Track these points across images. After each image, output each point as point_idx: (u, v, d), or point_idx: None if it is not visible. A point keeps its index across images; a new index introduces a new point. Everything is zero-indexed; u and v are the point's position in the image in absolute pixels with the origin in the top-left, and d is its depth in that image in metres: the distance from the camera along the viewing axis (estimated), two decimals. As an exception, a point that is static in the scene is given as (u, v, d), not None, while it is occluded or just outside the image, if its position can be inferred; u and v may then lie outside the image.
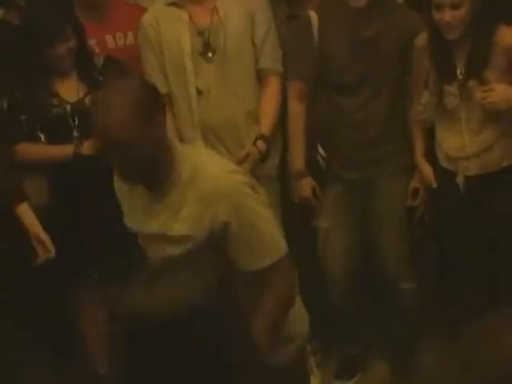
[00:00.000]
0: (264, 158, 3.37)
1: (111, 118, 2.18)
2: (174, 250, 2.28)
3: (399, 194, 3.41)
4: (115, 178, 2.43)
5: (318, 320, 3.36)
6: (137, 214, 2.42)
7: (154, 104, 2.27)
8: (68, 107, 3.21)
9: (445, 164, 3.29)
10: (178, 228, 2.31)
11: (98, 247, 3.23)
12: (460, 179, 3.24)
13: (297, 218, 3.59)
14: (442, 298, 3.56)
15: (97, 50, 3.50)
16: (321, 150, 3.47)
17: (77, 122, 3.21)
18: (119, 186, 2.45)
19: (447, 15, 3.01)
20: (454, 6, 3.00)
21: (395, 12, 3.30)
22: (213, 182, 2.27)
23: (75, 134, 3.21)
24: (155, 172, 2.28)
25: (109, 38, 3.58)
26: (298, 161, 3.41)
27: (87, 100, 3.25)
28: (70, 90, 3.26)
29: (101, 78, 3.28)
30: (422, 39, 3.20)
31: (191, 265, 1.52)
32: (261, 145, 3.34)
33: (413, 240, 3.49)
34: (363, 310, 3.58)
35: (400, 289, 3.47)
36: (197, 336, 1.39)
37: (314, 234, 3.57)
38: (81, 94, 3.26)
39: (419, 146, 3.34)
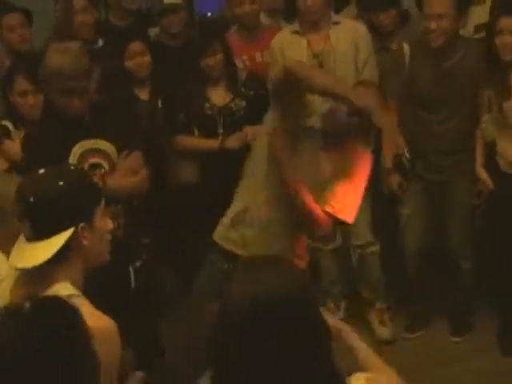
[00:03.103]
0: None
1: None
2: None
3: (467, 193, 4.03)
4: None
5: (393, 284, 4.10)
6: None
7: None
8: (216, 109, 3.95)
9: (506, 169, 3.84)
10: None
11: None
12: None
13: (384, 205, 4.25)
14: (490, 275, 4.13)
15: (247, 64, 4.20)
16: (406, 154, 4.07)
17: (222, 121, 3.94)
18: None
19: (506, 38, 3.63)
20: None
21: (470, 47, 3.89)
22: None
23: (220, 130, 3.93)
24: None
25: (258, 55, 4.30)
26: (388, 161, 4.06)
27: (232, 105, 3.98)
28: (219, 96, 4.00)
29: (242, 89, 4.01)
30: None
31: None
32: None
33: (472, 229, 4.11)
34: (430, 280, 4.22)
35: (460, 266, 4.13)
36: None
37: (396, 219, 4.23)
38: (227, 100, 3.99)
39: (480, 158, 3.92)
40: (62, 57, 3.05)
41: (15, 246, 2.08)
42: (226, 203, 3.84)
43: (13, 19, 4.17)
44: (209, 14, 5.27)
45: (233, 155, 3.82)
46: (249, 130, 3.96)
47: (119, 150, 3.20)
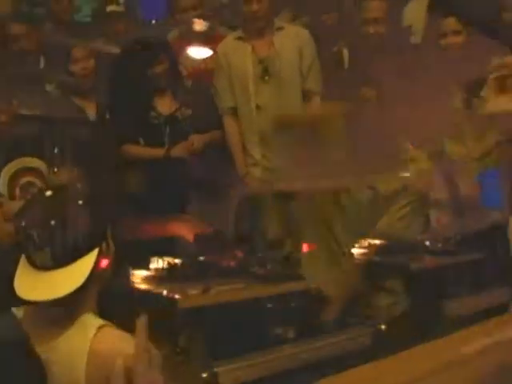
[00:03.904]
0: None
1: None
2: None
3: None
4: None
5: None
6: None
7: None
8: (162, 118, 3.94)
9: None
10: None
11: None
12: None
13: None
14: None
15: (190, 70, 4.18)
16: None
17: (168, 130, 3.93)
18: None
19: (450, 40, 3.71)
20: (456, 33, 3.71)
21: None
22: None
23: (165, 139, 3.93)
24: None
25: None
26: None
27: (178, 114, 3.98)
28: (165, 105, 3.99)
29: (189, 97, 4.01)
30: None
31: None
32: None
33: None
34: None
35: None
36: None
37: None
38: (173, 109, 3.99)
39: None
40: None
41: (18, 277, 1.85)
42: (172, 212, 3.90)
43: None
44: (153, 21, 5.23)
45: (179, 165, 3.82)
46: (195, 138, 3.96)
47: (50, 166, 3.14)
